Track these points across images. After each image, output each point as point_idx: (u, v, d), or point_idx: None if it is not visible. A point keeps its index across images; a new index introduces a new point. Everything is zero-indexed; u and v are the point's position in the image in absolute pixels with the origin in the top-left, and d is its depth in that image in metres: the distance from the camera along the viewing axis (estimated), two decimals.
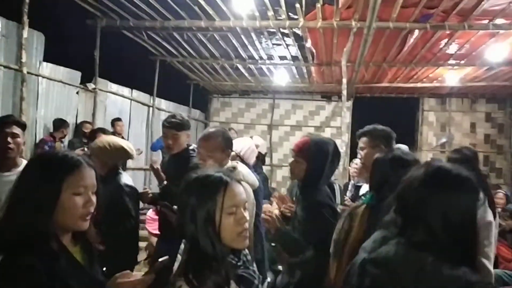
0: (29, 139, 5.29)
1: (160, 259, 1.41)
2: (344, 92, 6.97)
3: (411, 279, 1.23)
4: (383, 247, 1.31)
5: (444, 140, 10.51)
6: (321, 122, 11.08)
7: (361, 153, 2.88)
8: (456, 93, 10.27)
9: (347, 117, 8.97)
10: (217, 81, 10.31)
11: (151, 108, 8.89)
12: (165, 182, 3.60)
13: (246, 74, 9.43)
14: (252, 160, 3.50)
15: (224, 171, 1.40)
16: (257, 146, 3.72)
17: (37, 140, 5.62)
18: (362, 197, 2.76)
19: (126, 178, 3.20)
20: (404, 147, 3.22)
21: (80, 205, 1.38)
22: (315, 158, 2.49)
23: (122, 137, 5.85)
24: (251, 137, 4.64)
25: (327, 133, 10.26)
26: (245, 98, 11.58)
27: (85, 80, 6.60)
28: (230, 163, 2.74)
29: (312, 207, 2.45)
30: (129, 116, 8.15)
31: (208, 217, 1.28)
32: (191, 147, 3.37)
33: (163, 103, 9.51)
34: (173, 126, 3.27)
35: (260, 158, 5.05)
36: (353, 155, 5.19)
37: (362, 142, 2.90)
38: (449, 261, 1.21)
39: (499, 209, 4.88)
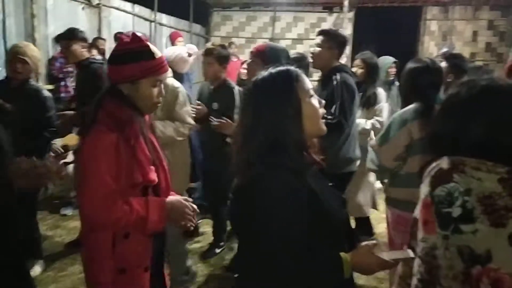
0: (44, 55, 5.46)
1: None
2: (346, 3, 6.98)
3: None
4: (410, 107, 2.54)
5: (445, 49, 10.54)
6: None
7: (315, 49, 3.18)
8: (459, 0, 10.14)
9: (348, 28, 8.99)
10: None
11: (152, 24, 8.89)
12: None
13: None
14: (181, 68, 3.65)
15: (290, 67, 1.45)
16: (189, 55, 3.75)
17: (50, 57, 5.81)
18: None
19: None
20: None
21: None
22: (269, 59, 2.76)
23: None
24: (186, 45, 4.89)
25: None
26: (245, 12, 11.43)
27: None
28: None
29: None
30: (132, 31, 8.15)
31: (295, 109, 1.35)
32: (94, 57, 3.95)
33: (164, 18, 9.46)
34: (63, 36, 3.86)
35: None
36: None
37: (319, 39, 3.17)
38: None
39: None
